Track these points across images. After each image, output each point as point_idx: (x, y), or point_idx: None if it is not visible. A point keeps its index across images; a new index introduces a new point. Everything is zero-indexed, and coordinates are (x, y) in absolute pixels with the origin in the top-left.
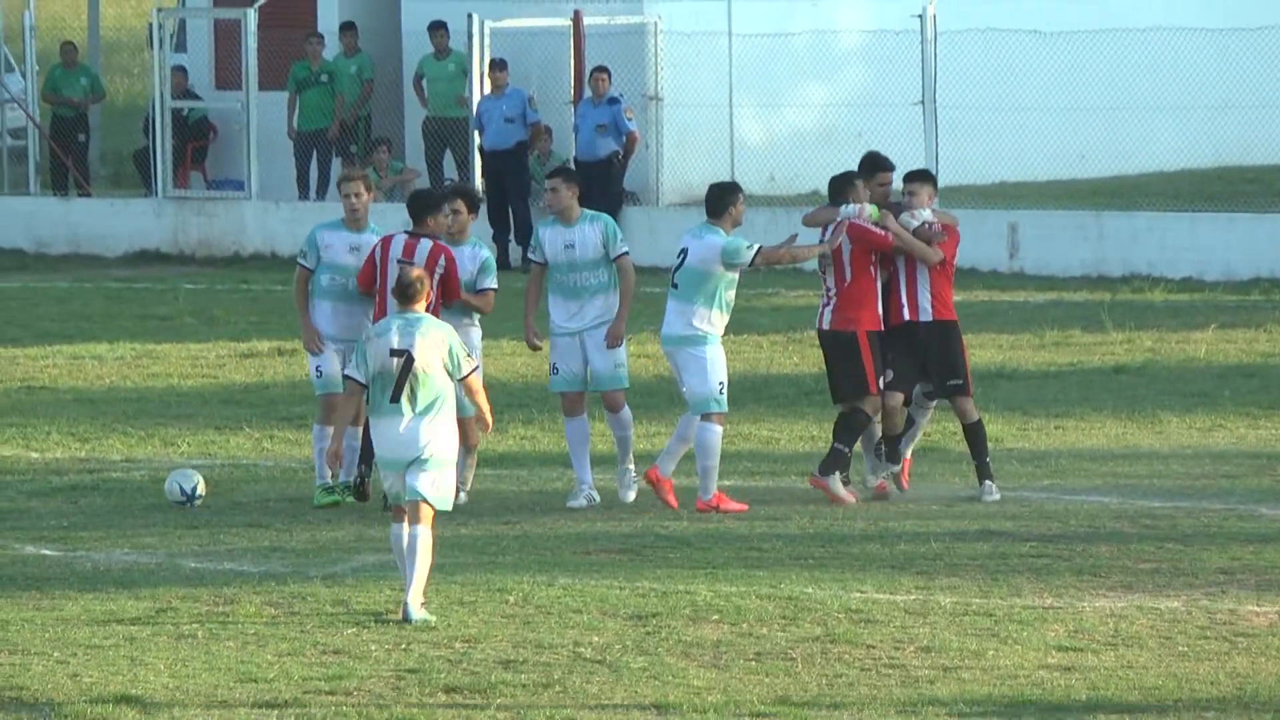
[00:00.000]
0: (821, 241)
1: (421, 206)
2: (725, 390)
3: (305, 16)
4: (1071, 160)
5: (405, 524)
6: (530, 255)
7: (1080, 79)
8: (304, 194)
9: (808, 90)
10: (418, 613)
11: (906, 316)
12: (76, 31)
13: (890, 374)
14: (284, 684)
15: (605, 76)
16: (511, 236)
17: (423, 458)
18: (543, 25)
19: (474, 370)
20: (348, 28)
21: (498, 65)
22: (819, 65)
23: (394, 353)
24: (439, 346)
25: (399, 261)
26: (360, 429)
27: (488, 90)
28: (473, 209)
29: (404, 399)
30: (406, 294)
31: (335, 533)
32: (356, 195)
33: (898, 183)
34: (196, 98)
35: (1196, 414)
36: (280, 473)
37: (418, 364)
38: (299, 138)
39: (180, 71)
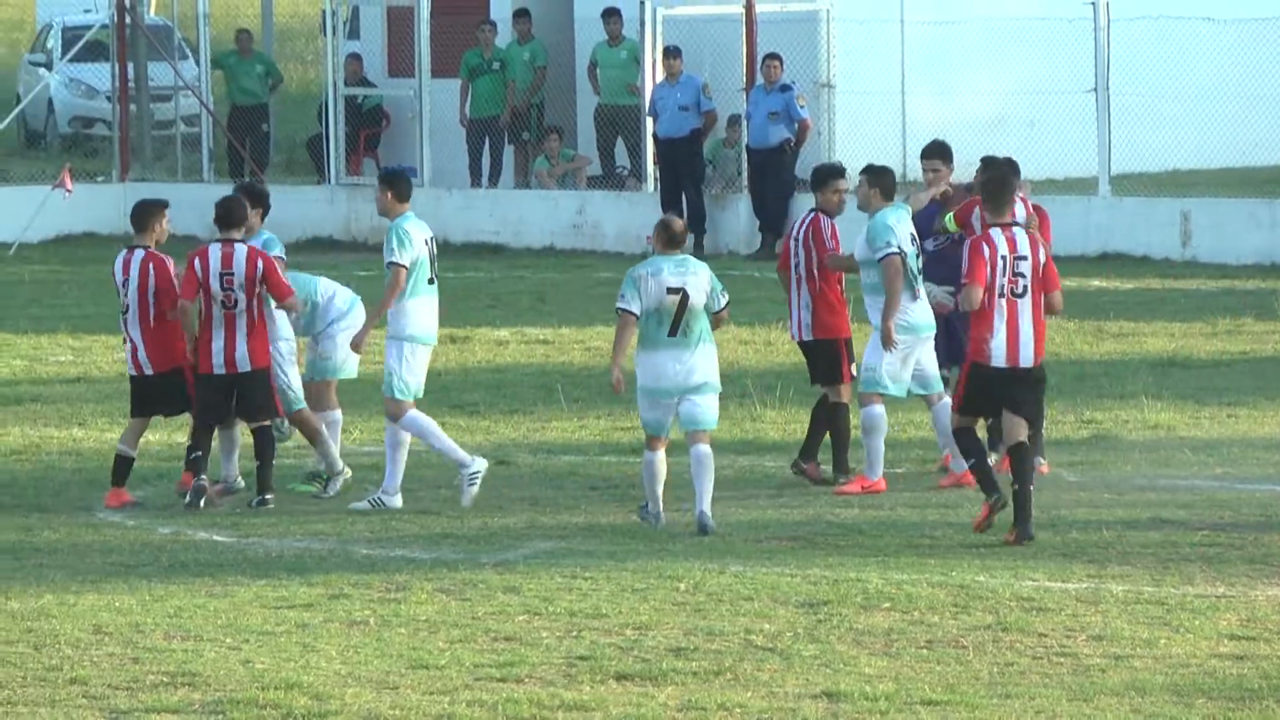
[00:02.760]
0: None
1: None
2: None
3: (478, 3)
4: (1244, 148)
5: (661, 451)
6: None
7: (1254, 67)
8: (476, 181)
9: (980, 77)
10: (712, 519)
11: None
12: (250, 19)
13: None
14: (455, 671)
15: (778, 64)
16: None
17: (700, 385)
18: (715, 13)
19: (727, 304)
20: (521, 15)
21: (672, 53)
22: (991, 52)
23: (670, 290)
24: (705, 284)
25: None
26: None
27: (660, 78)
28: (255, 205)
29: (680, 333)
30: (676, 240)
31: (507, 519)
32: None
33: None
34: (370, 85)
35: None
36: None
37: (692, 300)
38: (471, 125)
39: (355, 59)
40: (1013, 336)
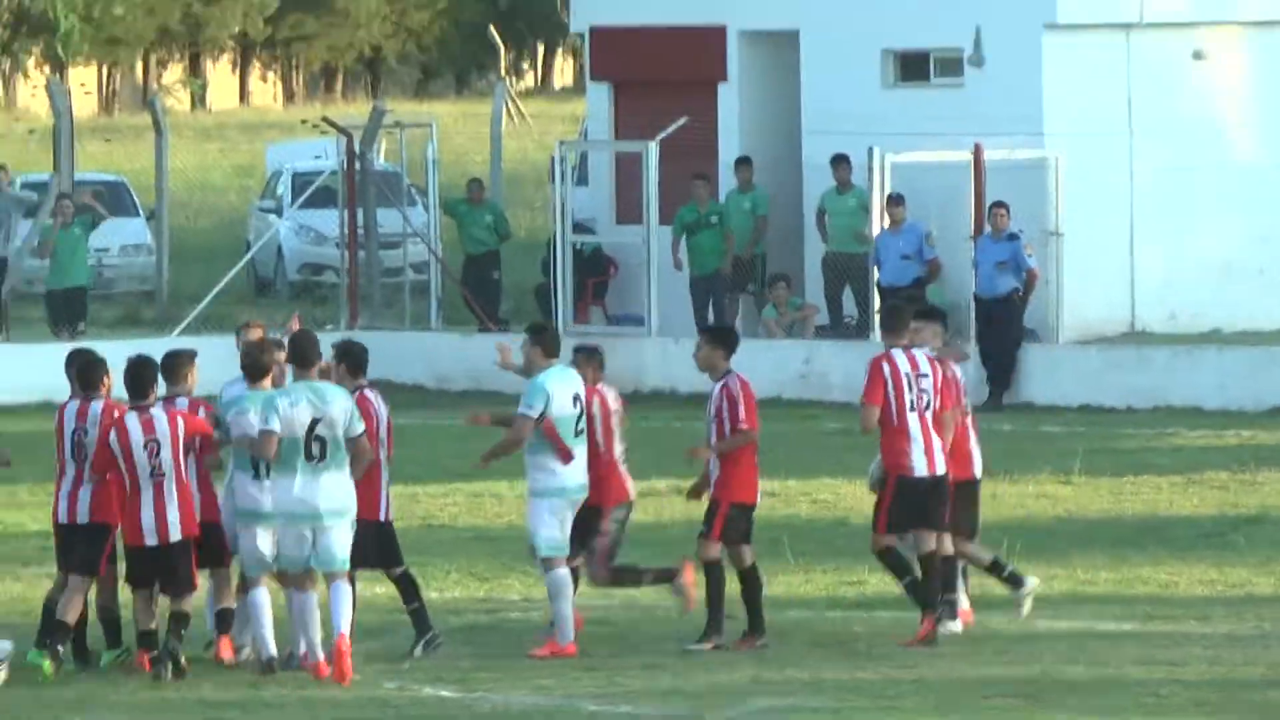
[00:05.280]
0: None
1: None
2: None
3: (707, 149)
4: None
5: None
6: None
7: None
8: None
9: (1209, 224)
10: None
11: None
12: (479, 165)
13: None
14: None
15: (1004, 211)
16: None
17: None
18: (943, 159)
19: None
20: (743, 163)
21: (895, 200)
22: (1221, 199)
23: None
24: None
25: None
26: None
27: (885, 225)
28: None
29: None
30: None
31: (732, 675)
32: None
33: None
34: (589, 231)
35: None
36: (677, 614)
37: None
38: (695, 281)
39: None
40: (929, 446)
